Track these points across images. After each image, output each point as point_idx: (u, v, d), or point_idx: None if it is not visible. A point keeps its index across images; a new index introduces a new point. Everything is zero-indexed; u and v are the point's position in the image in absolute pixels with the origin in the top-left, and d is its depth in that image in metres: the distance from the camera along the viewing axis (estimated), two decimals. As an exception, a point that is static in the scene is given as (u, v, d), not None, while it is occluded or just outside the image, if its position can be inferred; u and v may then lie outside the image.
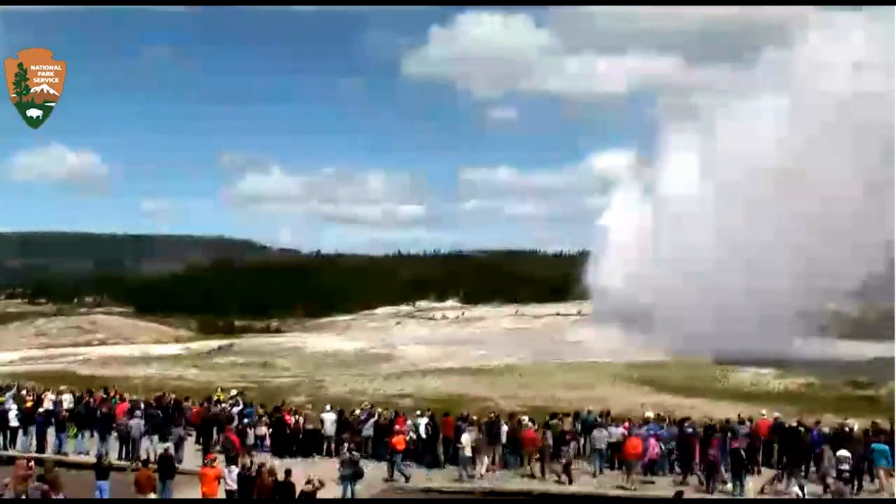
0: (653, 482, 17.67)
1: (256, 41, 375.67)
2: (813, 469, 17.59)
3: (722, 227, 53.29)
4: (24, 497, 13.41)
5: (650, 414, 20.83)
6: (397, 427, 19.16)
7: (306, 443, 20.40)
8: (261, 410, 22.05)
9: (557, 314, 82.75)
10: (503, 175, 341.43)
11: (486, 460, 18.45)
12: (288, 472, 14.13)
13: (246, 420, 21.03)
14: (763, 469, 18.36)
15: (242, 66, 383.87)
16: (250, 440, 19.81)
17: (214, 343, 61.43)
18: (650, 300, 54.33)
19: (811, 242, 46.87)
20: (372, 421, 20.24)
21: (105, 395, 24.07)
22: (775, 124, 52.47)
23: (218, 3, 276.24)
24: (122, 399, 23.36)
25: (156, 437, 19.75)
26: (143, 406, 21.95)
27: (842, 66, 49.31)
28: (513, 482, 18.08)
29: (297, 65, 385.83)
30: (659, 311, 52.72)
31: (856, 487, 16.76)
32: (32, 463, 14.99)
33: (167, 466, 16.00)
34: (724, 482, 17.20)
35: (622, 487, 17.28)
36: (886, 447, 17.15)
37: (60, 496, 13.59)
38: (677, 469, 18.30)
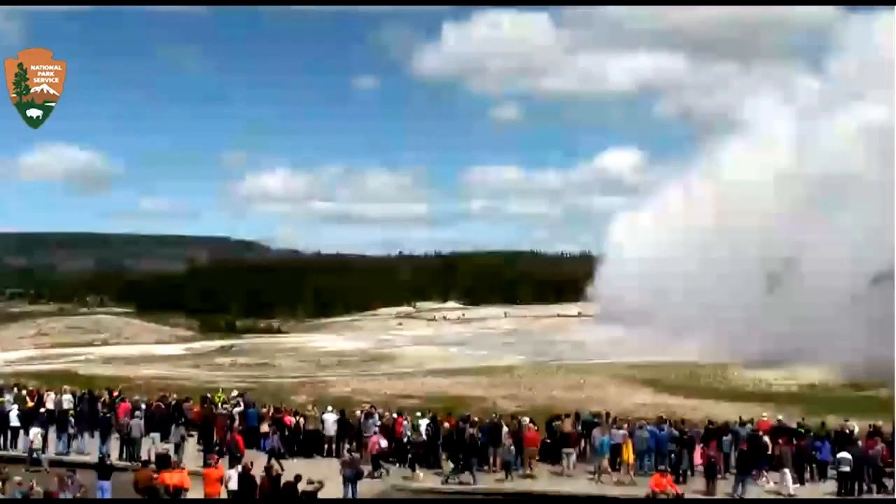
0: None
1: (257, 41, 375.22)
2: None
3: (727, 228, 53.42)
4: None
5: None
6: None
7: (307, 443, 20.37)
8: (265, 410, 21.91)
9: (558, 315, 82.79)
10: (506, 174, 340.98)
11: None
12: (298, 478, 14.02)
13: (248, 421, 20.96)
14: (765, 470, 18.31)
15: (244, 65, 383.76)
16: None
17: (216, 343, 61.56)
18: (654, 303, 54.35)
19: (815, 243, 46.92)
20: (373, 421, 20.20)
21: (110, 396, 24.05)
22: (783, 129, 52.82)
23: (224, 4, 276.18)
24: (123, 399, 23.34)
25: (157, 438, 19.72)
26: (144, 406, 21.92)
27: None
28: (513, 483, 18.05)
29: (301, 64, 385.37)
30: (662, 314, 52.73)
31: (856, 489, 16.73)
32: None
33: (165, 467, 15.98)
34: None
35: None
36: (607, 438, 17.79)
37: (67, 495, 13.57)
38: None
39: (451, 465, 17.98)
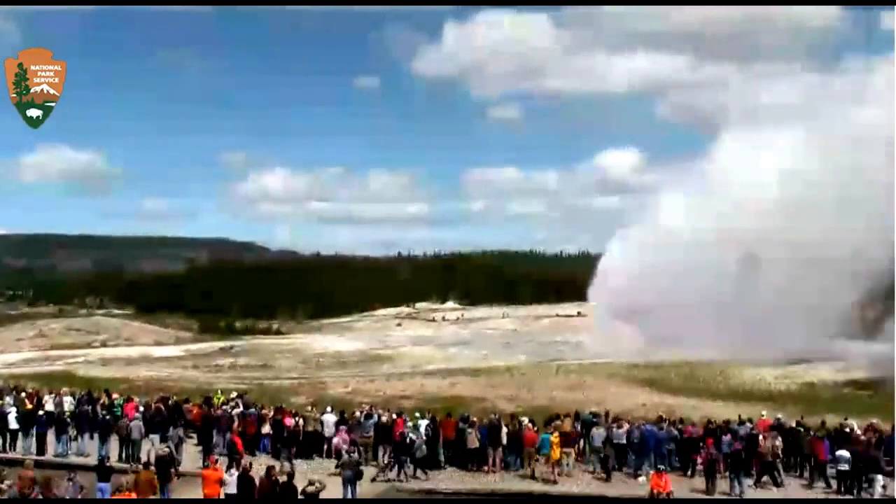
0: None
1: (258, 41, 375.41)
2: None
3: (726, 228, 53.34)
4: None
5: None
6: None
7: (306, 444, 20.35)
8: (265, 411, 21.89)
9: (558, 315, 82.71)
10: (506, 175, 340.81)
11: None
12: (291, 475, 14.06)
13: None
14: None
15: (244, 65, 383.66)
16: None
17: (215, 344, 61.51)
18: (653, 301, 54.24)
19: (815, 241, 46.89)
20: (372, 422, 20.20)
21: (109, 397, 24.03)
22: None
23: (224, 4, 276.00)
24: (130, 399, 23.32)
25: (156, 439, 19.71)
26: (143, 407, 21.91)
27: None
28: (513, 483, 18.06)
29: (301, 64, 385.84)
30: (661, 312, 52.64)
31: (855, 488, 16.73)
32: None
33: (164, 468, 15.99)
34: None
35: None
36: (548, 436, 17.91)
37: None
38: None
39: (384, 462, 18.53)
